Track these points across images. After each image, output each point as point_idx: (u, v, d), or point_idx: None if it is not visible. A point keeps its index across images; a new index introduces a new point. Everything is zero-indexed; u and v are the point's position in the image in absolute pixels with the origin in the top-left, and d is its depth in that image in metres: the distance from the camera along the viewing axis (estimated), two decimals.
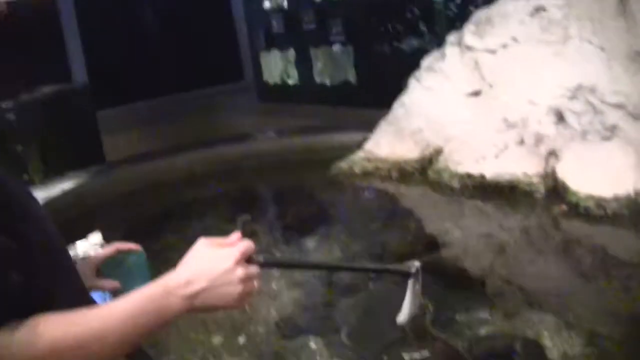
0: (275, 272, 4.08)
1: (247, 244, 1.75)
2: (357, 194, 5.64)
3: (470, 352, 3.01)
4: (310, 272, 3.97)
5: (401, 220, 4.91)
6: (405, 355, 3.02)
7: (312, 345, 3.27)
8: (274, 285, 3.90)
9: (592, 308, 3.51)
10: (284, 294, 3.78)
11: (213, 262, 1.68)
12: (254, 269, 1.74)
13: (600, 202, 4.52)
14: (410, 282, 2.36)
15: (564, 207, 4.68)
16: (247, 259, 1.73)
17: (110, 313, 1.54)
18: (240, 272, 1.67)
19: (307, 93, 9.68)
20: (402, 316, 2.51)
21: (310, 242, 4.51)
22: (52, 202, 5.10)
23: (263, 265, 1.83)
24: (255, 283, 1.75)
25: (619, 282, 3.75)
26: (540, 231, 4.58)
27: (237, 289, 1.67)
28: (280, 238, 4.76)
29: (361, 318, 3.46)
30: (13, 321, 1.35)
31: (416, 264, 2.32)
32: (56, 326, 1.42)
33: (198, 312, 1.69)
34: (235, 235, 1.79)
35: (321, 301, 3.70)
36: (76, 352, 1.44)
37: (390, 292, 3.61)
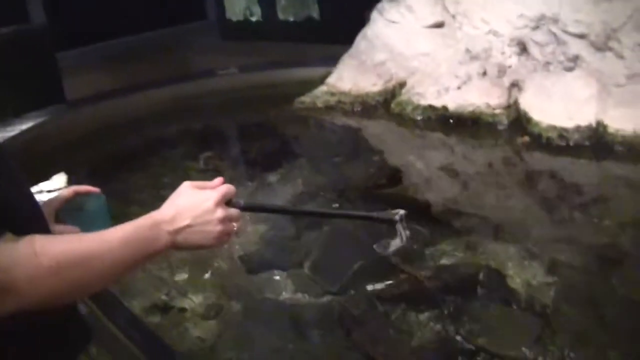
0: None
1: (227, 188, 1.85)
2: (320, 128, 5.59)
3: (434, 283, 3.02)
4: (281, 218, 3.93)
5: (364, 153, 4.88)
6: (369, 287, 3.02)
7: (277, 278, 3.27)
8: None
9: (554, 237, 3.52)
10: (249, 230, 3.75)
11: (195, 202, 1.76)
12: (233, 211, 1.82)
13: (562, 132, 4.53)
14: (398, 227, 2.32)
15: (526, 138, 4.69)
16: (228, 202, 1.82)
17: (106, 237, 1.58)
18: (220, 212, 1.76)
19: (270, 30, 9.54)
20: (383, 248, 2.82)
21: (273, 177, 4.49)
22: (11, 143, 4.99)
23: (243, 208, 1.90)
24: (235, 225, 1.83)
25: (580, 212, 3.79)
26: (504, 163, 4.59)
27: (216, 228, 1.76)
28: (244, 173, 4.71)
29: (325, 251, 3.45)
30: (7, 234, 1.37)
31: (401, 212, 2.30)
32: (57, 244, 1.46)
33: (180, 249, 1.76)
34: (218, 179, 1.89)
35: (285, 235, 3.68)
36: (78, 269, 1.47)
37: (354, 225, 3.61)
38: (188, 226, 1.73)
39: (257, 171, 4.65)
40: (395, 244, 2.38)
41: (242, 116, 6.17)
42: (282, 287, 3.21)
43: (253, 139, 5.47)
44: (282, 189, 4.27)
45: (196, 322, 3.02)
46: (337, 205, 3.94)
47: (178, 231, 1.72)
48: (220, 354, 2.81)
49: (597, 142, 4.47)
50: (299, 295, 3.15)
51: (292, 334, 2.95)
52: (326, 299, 3.11)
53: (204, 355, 2.82)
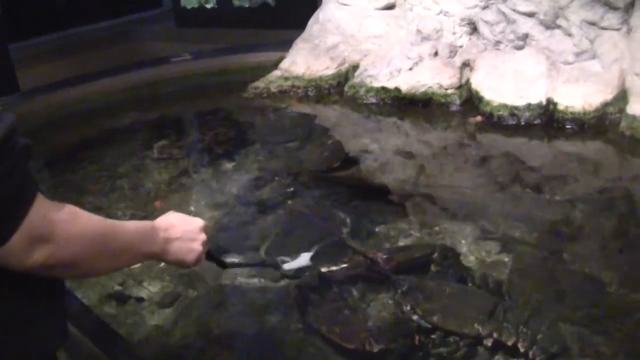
0: (194, 193, 4.06)
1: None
2: (275, 113, 5.56)
3: (389, 263, 3.02)
4: (231, 194, 3.98)
5: (319, 137, 4.87)
6: (324, 269, 3.02)
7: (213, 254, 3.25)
8: (192, 207, 3.88)
9: (507, 215, 3.55)
10: (204, 215, 3.72)
11: (186, 221, 2.03)
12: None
13: (513, 111, 4.57)
14: None
15: (478, 117, 4.71)
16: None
17: (120, 222, 1.74)
18: (203, 236, 2.05)
19: (225, 17, 9.46)
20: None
21: (229, 164, 4.47)
22: None
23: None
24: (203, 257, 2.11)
25: (533, 189, 3.82)
26: (457, 143, 4.60)
27: (199, 247, 2.02)
28: (200, 161, 4.67)
29: (280, 235, 3.44)
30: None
31: None
32: (86, 213, 1.56)
33: (166, 259, 1.94)
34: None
35: (241, 220, 3.66)
36: (100, 239, 1.61)
37: (308, 208, 3.61)
38: (178, 239, 1.96)
39: (212, 158, 4.62)
40: None
41: (196, 103, 6.13)
42: (238, 272, 3.19)
43: (208, 126, 5.42)
44: (237, 176, 4.25)
45: (153, 311, 3.01)
46: (292, 189, 3.94)
47: (170, 240, 1.93)
48: (177, 341, 2.80)
49: (547, 120, 4.53)
50: (255, 280, 3.14)
51: (249, 318, 2.94)
52: (282, 282, 3.11)
53: (160, 343, 2.80)
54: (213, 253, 2.24)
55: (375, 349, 2.55)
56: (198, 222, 2.05)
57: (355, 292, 2.96)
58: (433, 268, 3.05)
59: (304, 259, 3.14)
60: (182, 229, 2.00)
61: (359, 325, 2.71)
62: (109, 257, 1.68)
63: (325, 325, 2.69)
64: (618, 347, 2.58)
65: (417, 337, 2.63)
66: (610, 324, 2.70)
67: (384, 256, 3.07)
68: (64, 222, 1.47)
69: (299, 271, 3.12)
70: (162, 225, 1.92)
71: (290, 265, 3.12)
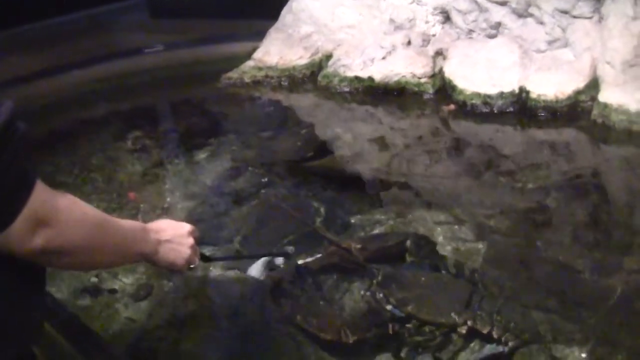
0: (168, 184, 4.04)
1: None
2: (248, 103, 5.54)
3: (363, 253, 3.01)
4: (205, 185, 3.97)
5: (292, 127, 4.86)
6: (299, 260, 3.01)
7: (206, 254, 3.22)
8: (168, 198, 3.86)
9: (481, 203, 3.57)
10: (178, 207, 3.73)
11: (175, 225, 2.15)
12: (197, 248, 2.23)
13: (486, 99, 4.58)
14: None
15: (452, 106, 4.72)
16: None
17: (115, 218, 1.79)
18: (191, 240, 2.17)
19: (200, 7, 9.36)
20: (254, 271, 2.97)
21: (202, 154, 4.44)
22: None
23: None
24: (197, 260, 2.26)
25: (506, 177, 3.83)
26: (431, 131, 4.61)
27: (188, 250, 2.14)
28: (173, 151, 4.63)
29: (254, 226, 3.43)
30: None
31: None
32: (85, 203, 1.63)
33: (157, 261, 2.03)
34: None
35: (215, 211, 3.64)
36: (97, 230, 1.65)
37: (281, 199, 3.60)
38: (169, 241, 2.06)
39: (186, 149, 4.59)
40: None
41: (169, 94, 6.07)
42: (213, 263, 3.16)
43: (181, 116, 5.39)
44: (211, 166, 4.23)
45: (127, 303, 2.99)
46: (266, 180, 3.92)
47: (161, 242, 2.03)
48: (151, 333, 2.78)
49: (520, 108, 4.54)
50: (230, 272, 3.11)
51: (224, 310, 2.93)
52: None
53: (134, 336, 2.78)
54: (205, 254, 2.44)
55: (351, 340, 2.55)
56: (186, 227, 2.17)
57: (330, 283, 2.96)
58: (408, 257, 3.05)
59: (278, 249, 3.15)
60: (172, 232, 2.10)
61: (334, 316, 2.71)
62: (105, 249, 1.72)
63: (301, 315, 2.68)
64: (590, 334, 2.59)
65: (392, 327, 2.63)
66: (583, 311, 2.72)
67: (358, 246, 3.05)
68: (65, 208, 1.51)
69: (273, 262, 3.12)
70: (153, 227, 2.02)
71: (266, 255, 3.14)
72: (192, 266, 2.25)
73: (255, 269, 2.99)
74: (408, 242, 3.09)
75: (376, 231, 3.36)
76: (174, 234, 2.10)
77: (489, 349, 2.56)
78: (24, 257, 1.44)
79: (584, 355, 2.52)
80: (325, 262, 3.03)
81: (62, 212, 1.50)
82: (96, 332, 2.61)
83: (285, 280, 2.95)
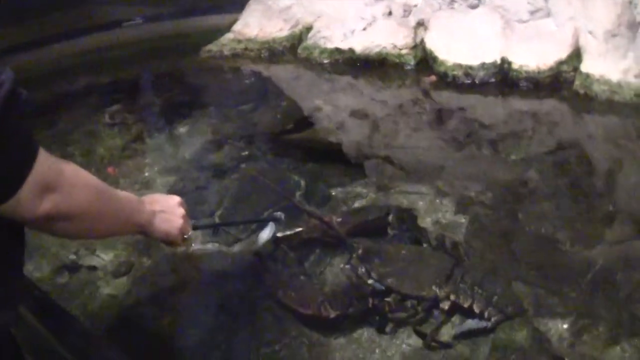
0: (148, 159, 4.01)
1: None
2: (228, 76, 5.49)
3: (344, 226, 2.99)
4: (185, 159, 3.93)
5: (272, 99, 4.81)
6: (279, 233, 2.98)
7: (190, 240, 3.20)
8: (146, 173, 3.82)
9: (463, 175, 3.54)
10: (158, 181, 3.71)
11: (165, 197, 2.26)
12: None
13: (468, 70, 4.55)
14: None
15: (433, 77, 4.69)
16: None
17: (112, 188, 1.84)
18: (182, 210, 2.24)
19: None
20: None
21: (182, 128, 4.39)
22: None
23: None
24: (190, 231, 2.33)
25: (488, 149, 3.82)
26: (412, 103, 4.58)
27: (180, 220, 2.22)
28: (153, 125, 4.59)
29: (234, 199, 3.40)
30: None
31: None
32: (86, 172, 1.66)
33: (152, 232, 2.11)
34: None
35: (195, 186, 3.61)
36: (98, 197, 1.69)
37: (262, 172, 3.58)
38: (162, 212, 2.14)
39: (165, 123, 4.54)
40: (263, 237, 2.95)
41: (149, 67, 5.99)
42: (193, 238, 3.06)
43: (160, 90, 5.33)
44: (191, 140, 4.19)
45: (107, 280, 2.96)
46: (246, 153, 3.89)
47: (155, 213, 2.10)
48: (131, 310, 2.77)
49: (502, 79, 4.52)
50: (210, 246, 3.11)
51: (204, 285, 2.93)
52: (237, 247, 3.08)
53: (115, 313, 2.77)
54: (197, 223, 2.52)
55: (332, 315, 2.53)
56: (176, 198, 2.26)
57: (311, 257, 2.94)
58: (389, 230, 3.02)
59: (258, 224, 3.14)
60: (164, 203, 2.18)
61: (315, 291, 2.68)
62: (106, 216, 1.77)
63: (282, 291, 2.66)
64: (572, 306, 2.60)
65: (373, 301, 2.62)
66: (565, 284, 2.72)
67: (339, 219, 3.04)
68: (69, 173, 1.53)
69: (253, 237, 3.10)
70: (146, 199, 2.11)
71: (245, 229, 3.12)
72: (185, 236, 2.30)
73: (265, 234, 2.98)
74: (390, 216, 3.06)
75: (357, 204, 3.34)
76: (165, 205, 2.18)
77: (471, 323, 2.55)
78: (31, 224, 1.47)
79: (565, 328, 2.52)
80: (306, 236, 3.01)
81: (67, 177, 1.52)
82: (69, 312, 2.57)
83: (266, 254, 2.92)
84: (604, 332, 2.49)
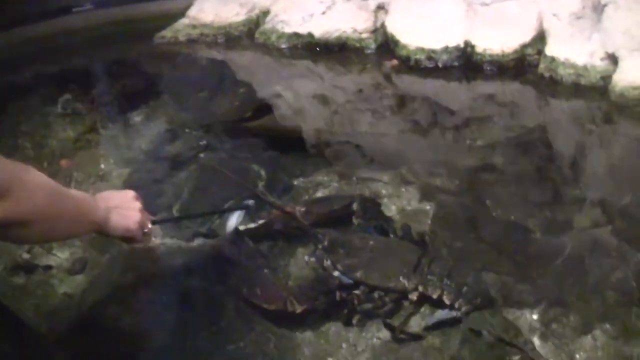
0: (102, 150, 3.91)
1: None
2: (184, 63, 5.40)
3: (308, 217, 2.93)
4: (140, 150, 3.86)
5: (230, 86, 4.72)
6: (241, 226, 2.93)
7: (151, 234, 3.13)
8: (102, 165, 3.72)
9: (427, 162, 3.50)
10: (114, 174, 3.61)
11: (119, 193, 2.27)
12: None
13: (430, 54, 4.51)
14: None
15: (395, 61, 4.64)
16: None
17: (66, 188, 1.84)
18: (138, 204, 2.25)
19: None
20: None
21: (137, 117, 4.31)
22: None
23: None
24: (150, 225, 2.37)
25: (453, 134, 3.78)
26: (374, 88, 4.52)
27: (137, 214, 2.22)
28: (107, 115, 4.49)
29: (193, 191, 3.32)
30: None
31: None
32: (39, 173, 1.66)
33: (110, 230, 2.11)
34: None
35: (151, 178, 3.53)
36: (54, 199, 1.68)
37: (221, 162, 3.51)
38: (117, 207, 2.13)
39: (120, 112, 4.46)
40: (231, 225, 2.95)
41: (101, 55, 5.88)
42: (152, 233, 3.03)
43: (114, 78, 5.24)
44: (146, 130, 4.11)
45: (62, 279, 2.88)
46: (204, 142, 3.81)
47: (110, 209, 2.09)
48: (89, 309, 2.67)
49: (465, 63, 4.48)
50: (169, 240, 3.02)
51: (165, 281, 2.85)
52: (197, 242, 3.01)
53: (71, 313, 2.67)
54: (161, 217, 2.58)
55: (298, 309, 2.47)
56: (130, 193, 2.28)
57: (275, 250, 2.88)
58: (354, 220, 2.96)
59: (218, 215, 3.08)
60: (118, 199, 2.19)
61: (280, 286, 2.61)
62: (61, 218, 1.76)
63: (246, 288, 2.59)
64: (542, 295, 2.58)
65: (340, 294, 2.56)
66: (534, 272, 2.70)
67: (302, 209, 2.97)
68: (21, 176, 1.53)
69: (215, 229, 3.04)
70: (99, 196, 2.11)
71: (205, 222, 3.06)
72: (146, 230, 2.34)
73: (232, 222, 2.97)
74: (355, 205, 3.00)
75: (320, 193, 3.28)
76: (120, 200, 2.18)
77: (441, 313, 2.51)
78: None
79: (535, 317, 2.50)
80: (269, 228, 2.94)
81: (20, 179, 1.52)
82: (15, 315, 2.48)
83: (227, 248, 2.86)
84: (574, 320, 2.47)
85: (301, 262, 2.80)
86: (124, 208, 2.17)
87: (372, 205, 3.07)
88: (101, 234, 2.16)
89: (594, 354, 2.35)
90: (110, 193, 2.24)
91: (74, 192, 1.91)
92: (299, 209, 2.97)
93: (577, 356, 2.35)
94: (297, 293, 2.52)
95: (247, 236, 2.90)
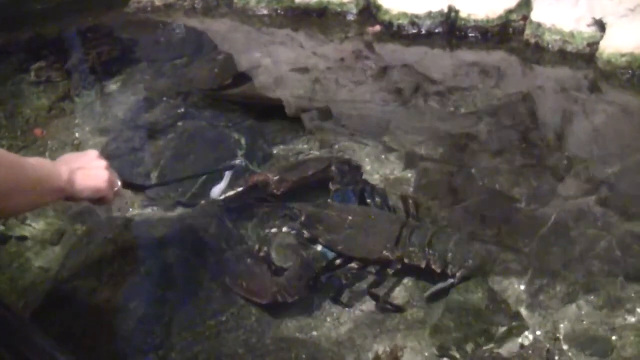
0: (77, 119, 3.84)
1: None
2: (160, 29, 5.29)
3: (281, 185, 2.89)
4: (117, 118, 3.80)
5: (208, 53, 4.62)
6: (221, 196, 2.91)
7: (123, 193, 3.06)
8: (77, 134, 3.67)
9: (410, 130, 3.46)
10: (89, 143, 3.56)
11: (81, 154, 2.16)
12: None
13: (413, 19, 4.43)
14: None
15: (377, 27, 4.56)
16: None
17: (21, 157, 1.80)
18: (104, 162, 2.17)
19: None
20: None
21: (113, 85, 4.24)
22: None
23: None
24: (119, 183, 2.28)
25: (436, 102, 3.73)
26: (355, 55, 4.44)
27: (105, 172, 2.14)
28: (82, 83, 4.40)
29: (171, 160, 3.26)
30: None
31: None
32: None
33: (78, 192, 2.04)
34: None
35: (129, 147, 3.47)
36: (7, 170, 1.63)
37: (199, 130, 3.46)
38: (81, 168, 2.05)
39: (95, 80, 4.37)
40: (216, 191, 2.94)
41: (74, 21, 5.73)
42: (130, 202, 3.05)
43: (88, 45, 5.10)
44: (123, 97, 4.04)
45: (37, 251, 2.85)
46: (182, 110, 3.74)
47: (73, 170, 2.01)
48: (65, 282, 2.63)
49: (449, 28, 4.40)
50: (149, 210, 3.02)
51: (144, 253, 2.78)
52: (177, 211, 2.99)
53: (47, 286, 2.63)
54: (127, 180, 2.45)
55: (290, 300, 2.45)
56: (92, 152, 2.18)
57: (251, 226, 2.84)
58: (332, 186, 2.90)
59: (198, 184, 3.05)
60: (81, 160, 2.10)
61: (267, 279, 2.53)
62: (22, 189, 1.72)
63: (230, 278, 2.57)
64: (528, 264, 2.59)
65: (326, 275, 2.55)
66: (519, 240, 2.71)
67: (276, 177, 2.90)
68: None
69: (194, 198, 3.01)
70: (60, 160, 2.06)
71: (185, 191, 3.03)
72: (116, 189, 2.25)
73: (219, 187, 2.95)
74: (330, 168, 2.94)
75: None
76: (83, 161, 2.10)
77: (439, 284, 2.50)
78: None
79: (522, 287, 2.51)
80: (245, 198, 2.91)
81: None
82: None
83: (206, 219, 2.82)
84: (560, 290, 2.49)
85: (279, 235, 2.74)
86: (88, 167, 2.09)
87: (349, 169, 2.98)
88: (69, 199, 2.08)
89: (579, 323, 2.36)
90: (71, 155, 2.15)
91: (31, 160, 1.84)
92: (273, 177, 2.91)
93: (562, 326, 2.36)
94: (285, 285, 2.46)
95: (225, 206, 2.88)
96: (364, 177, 3.03)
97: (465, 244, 2.54)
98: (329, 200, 2.84)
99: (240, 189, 2.91)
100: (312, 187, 2.93)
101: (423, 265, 2.49)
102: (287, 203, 2.81)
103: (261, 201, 2.91)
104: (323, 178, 2.94)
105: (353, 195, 2.84)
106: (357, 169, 3.03)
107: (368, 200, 2.83)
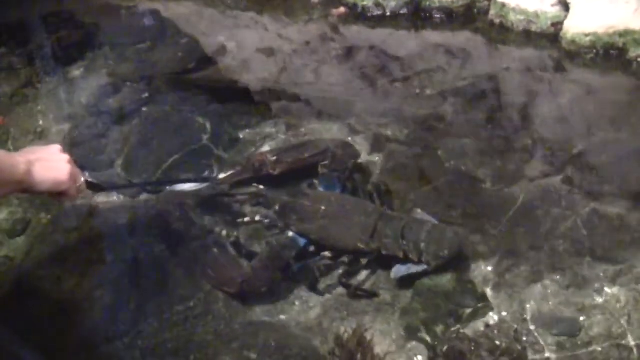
0: (40, 106, 3.79)
1: None
2: (123, 13, 5.22)
3: (278, 165, 2.90)
4: (80, 104, 3.74)
5: (172, 37, 4.56)
6: (187, 186, 2.90)
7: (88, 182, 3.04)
8: (40, 121, 3.63)
9: (377, 112, 3.45)
10: (53, 130, 3.52)
11: (42, 147, 2.12)
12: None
13: (378, 0, 4.40)
14: None
15: (342, 9, 4.53)
16: None
17: None
18: (67, 155, 2.12)
19: None
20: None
21: (76, 70, 4.17)
22: None
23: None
24: (82, 179, 2.23)
25: (402, 84, 3.72)
26: (320, 38, 4.42)
27: (67, 165, 2.09)
28: (44, 69, 4.34)
29: (136, 146, 3.24)
30: None
31: None
32: None
33: (38, 184, 1.99)
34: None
35: (92, 133, 3.43)
36: None
37: (164, 115, 3.44)
38: (40, 159, 2.00)
39: (58, 65, 4.31)
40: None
41: (34, 5, 5.64)
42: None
43: (50, 30, 5.04)
44: (86, 83, 3.99)
45: (2, 241, 2.83)
46: (146, 95, 3.72)
47: (32, 162, 1.96)
48: (31, 272, 2.64)
49: (414, 10, 4.37)
50: (114, 198, 2.98)
51: (110, 241, 2.79)
52: (143, 198, 2.97)
53: (12, 277, 2.63)
54: (92, 181, 2.41)
55: (257, 291, 2.46)
56: (55, 145, 2.15)
57: (220, 214, 2.83)
58: (320, 169, 2.89)
59: (163, 170, 3.06)
60: (42, 152, 2.07)
61: (234, 267, 2.53)
62: None
63: (199, 268, 2.55)
64: (495, 245, 2.61)
65: (295, 266, 2.54)
66: (487, 222, 2.72)
67: (273, 158, 2.92)
68: None
69: (159, 185, 3.01)
70: (18, 152, 2.04)
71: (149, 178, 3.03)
72: (79, 185, 2.20)
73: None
74: (329, 154, 2.93)
75: (267, 146, 3.23)
76: (44, 153, 2.06)
77: (398, 271, 2.50)
78: None
79: (490, 269, 2.53)
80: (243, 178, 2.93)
81: None
82: None
83: (171, 206, 2.81)
84: (526, 270, 2.51)
85: (250, 228, 2.75)
86: (48, 160, 2.04)
87: (343, 154, 2.97)
88: (28, 191, 2.04)
89: (545, 303, 2.38)
90: (32, 148, 2.13)
91: None
92: (270, 157, 2.93)
93: (528, 306, 2.38)
94: (251, 276, 2.46)
95: (192, 193, 2.88)
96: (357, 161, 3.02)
97: (439, 233, 2.52)
98: (305, 187, 2.85)
99: (238, 168, 2.94)
100: (304, 171, 2.93)
101: (401, 255, 2.49)
102: (263, 191, 2.82)
103: (236, 189, 2.91)
104: (321, 160, 2.93)
105: (337, 182, 2.84)
106: (351, 154, 3.01)
107: (344, 194, 2.81)
